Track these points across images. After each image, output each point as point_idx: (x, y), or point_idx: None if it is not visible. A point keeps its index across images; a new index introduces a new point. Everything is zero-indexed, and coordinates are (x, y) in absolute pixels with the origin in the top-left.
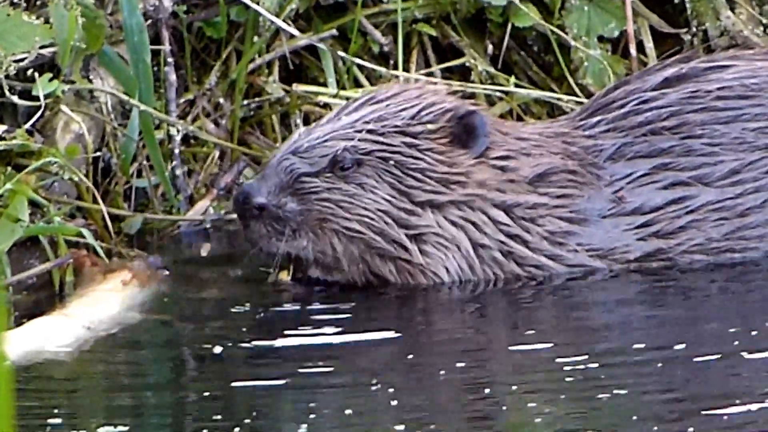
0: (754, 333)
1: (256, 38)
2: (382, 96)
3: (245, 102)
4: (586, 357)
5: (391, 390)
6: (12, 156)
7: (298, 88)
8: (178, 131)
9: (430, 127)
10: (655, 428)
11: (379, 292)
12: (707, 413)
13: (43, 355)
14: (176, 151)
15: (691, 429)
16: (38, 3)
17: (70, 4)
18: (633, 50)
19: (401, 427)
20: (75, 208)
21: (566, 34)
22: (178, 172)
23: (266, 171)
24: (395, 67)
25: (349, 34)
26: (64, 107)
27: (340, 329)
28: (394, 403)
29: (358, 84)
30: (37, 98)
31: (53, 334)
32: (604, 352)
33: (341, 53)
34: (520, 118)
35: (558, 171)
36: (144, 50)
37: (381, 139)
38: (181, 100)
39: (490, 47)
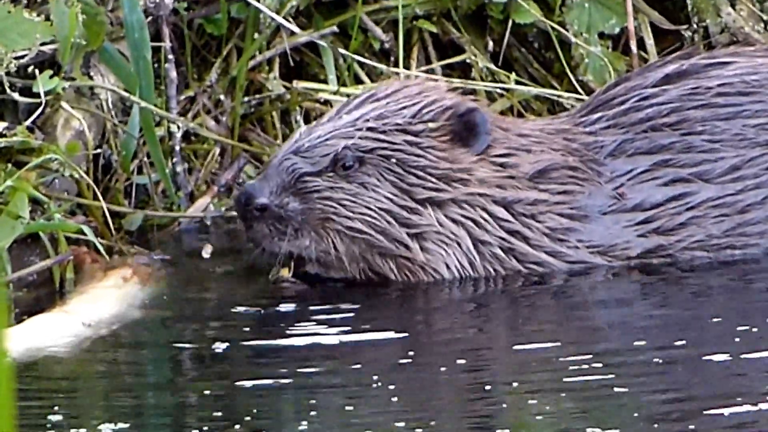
0: (755, 331)
1: (256, 35)
2: (382, 93)
3: (246, 99)
4: (587, 356)
5: (391, 390)
6: (12, 153)
7: (299, 85)
8: (178, 128)
9: (431, 125)
10: (656, 427)
11: (380, 291)
12: (708, 412)
13: (43, 353)
14: (177, 148)
15: (692, 427)
16: (39, 0)
17: (71, 1)
18: (633, 47)
19: (402, 426)
20: (75, 205)
21: (567, 30)
22: (179, 169)
23: (268, 171)
24: (396, 64)
25: (349, 31)
26: (64, 104)
27: (340, 329)
28: (394, 402)
29: (358, 81)
30: (37, 95)
31: (53, 332)
32: (605, 351)
33: (342, 50)
34: (520, 115)
35: (559, 167)
36: (144, 47)
37: (382, 137)
38: (182, 97)
39: (491, 44)
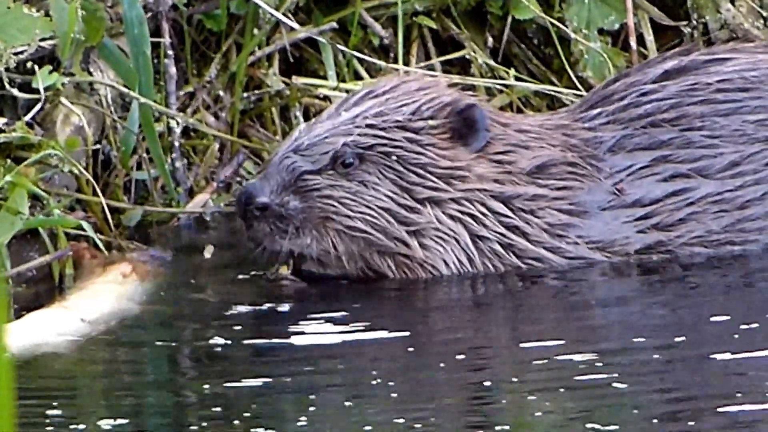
0: (755, 329)
1: (256, 31)
2: (381, 90)
3: (245, 94)
4: (587, 354)
5: (391, 389)
6: (12, 148)
7: (298, 80)
8: (178, 124)
9: (431, 122)
10: (656, 424)
11: (380, 290)
12: (709, 411)
13: (42, 348)
14: (176, 143)
15: (692, 425)
16: None
17: None
18: (633, 43)
19: (402, 425)
20: (75, 200)
21: (566, 26)
22: (178, 164)
23: (268, 170)
24: (395, 60)
25: (349, 27)
26: (64, 100)
27: (340, 328)
28: (394, 401)
29: (358, 77)
30: (37, 91)
31: (53, 327)
32: (605, 350)
33: (341, 46)
34: (520, 111)
35: (558, 163)
36: (144, 43)
37: (382, 134)
38: (181, 93)
39: (490, 40)
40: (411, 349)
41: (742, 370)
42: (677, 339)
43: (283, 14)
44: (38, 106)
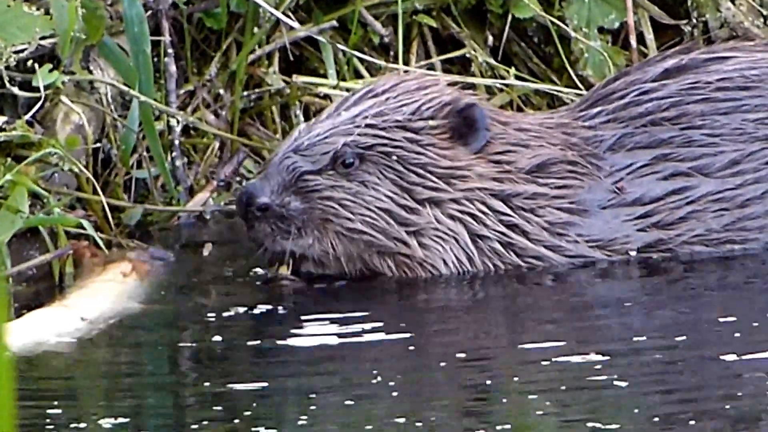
0: (755, 329)
1: (256, 29)
2: (380, 89)
3: (245, 93)
4: (587, 354)
5: (392, 388)
6: (12, 147)
7: (298, 79)
8: (178, 122)
9: (431, 122)
10: (656, 425)
11: (380, 290)
12: (709, 411)
13: (42, 347)
14: (176, 142)
15: (693, 424)
16: None
17: None
18: (633, 41)
19: (402, 424)
20: (75, 199)
21: (566, 25)
22: (178, 163)
23: (268, 170)
24: (395, 59)
25: (349, 26)
26: (64, 98)
27: (340, 328)
28: (395, 401)
29: (358, 75)
30: (37, 89)
31: (53, 326)
32: (605, 349)
33: (341, 45)
34: (520, 110)
35: (558, 162)
36: (144, 41)
37: (382, 134)
38: (181, 91)
39: (491, 38)
40: (411, 348)
41: (743, 370)
42: (678, 339)
43: (283, 13)
44: (38, 105)
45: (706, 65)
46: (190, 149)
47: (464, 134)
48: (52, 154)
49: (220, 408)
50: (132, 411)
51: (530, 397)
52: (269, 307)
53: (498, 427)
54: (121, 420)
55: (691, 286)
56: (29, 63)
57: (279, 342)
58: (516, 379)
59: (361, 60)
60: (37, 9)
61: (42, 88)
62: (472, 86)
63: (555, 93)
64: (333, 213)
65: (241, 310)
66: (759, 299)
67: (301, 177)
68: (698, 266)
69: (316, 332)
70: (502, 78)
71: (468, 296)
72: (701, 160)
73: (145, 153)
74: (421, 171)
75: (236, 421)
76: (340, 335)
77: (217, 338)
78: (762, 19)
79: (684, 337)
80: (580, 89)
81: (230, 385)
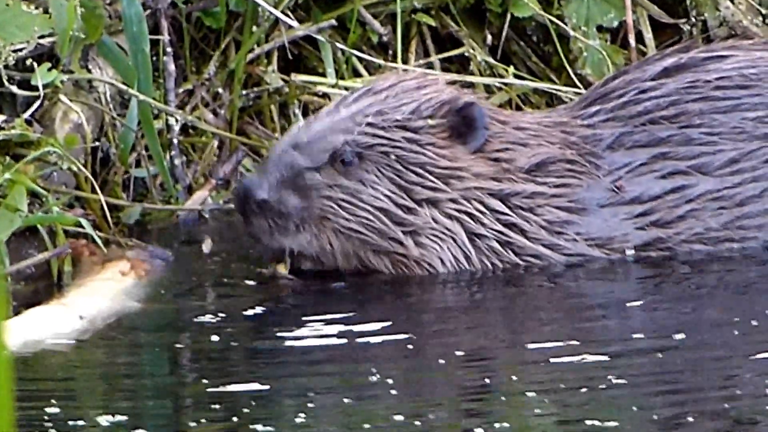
0: (755, 326)
1: (255, 28)
2: (380, 87)
3: (244, 92)
4: (587, 354)
5: (391, 387)
6: (11, 146)
7: (297, 78)
8: (176, 121)
9: (430, 122)
10: (656, 425)
11: (379, 290)
12: (709, 411)
13: (41, 345)
14: (175, 140)
15: (693, 424)
16: None
17: None
18: (632, 40)
19: (401, 424)
20: (73, 197)
21: (565, 24)
22: (177, 161)
23: (267, 166)
24: (394, 58)
25: (347, 24)
26: (62, 97)
27: (339, 328)
28: (394, 401)
29: (357, 74)
30: (35, 88)
31: (51, 324)
32: (606, 350)
33: (340, 44)
34: (519, 108)
35: (556, 160)
36: (143, 40)
37: (381, 133)
38: (180, 90)
39: (489, 37)
40: (410, 348)
41: (743, 371)
42: (677, 338)
43: (282, 12)
44: (37, 104)
45: (705, 64)
46: (189, 148)
47: (463, 133)
48: (50, 152)
49: (219, 408)
50: (130, 410)
51: (530, 396)
52: (268, 306)
53: (497, 427)
54: (119, 419)
55: (689, 285)
56: (28, 62)
57: (278, 342)
58: (515, 378)
59: (360, 59)
60: (36, 8)
61: (41, 87)
62: (471, 85)
63: (554, 92)
64: (331, 211)
65: (240, 309)
66: (759, 299)
67: (300, 173)
68: (698, 265)
69: (316, 332)
70: (501, 77)
71: (467, 296)
72: (700, 158)
73: (143, 152)
74: (419, 171)
75: (235, 420)
76: (339, 335)
77: (216, 338)
78: (761, 18)
79: (684, 337)
80: (579, 88)
81: (229, 385)
